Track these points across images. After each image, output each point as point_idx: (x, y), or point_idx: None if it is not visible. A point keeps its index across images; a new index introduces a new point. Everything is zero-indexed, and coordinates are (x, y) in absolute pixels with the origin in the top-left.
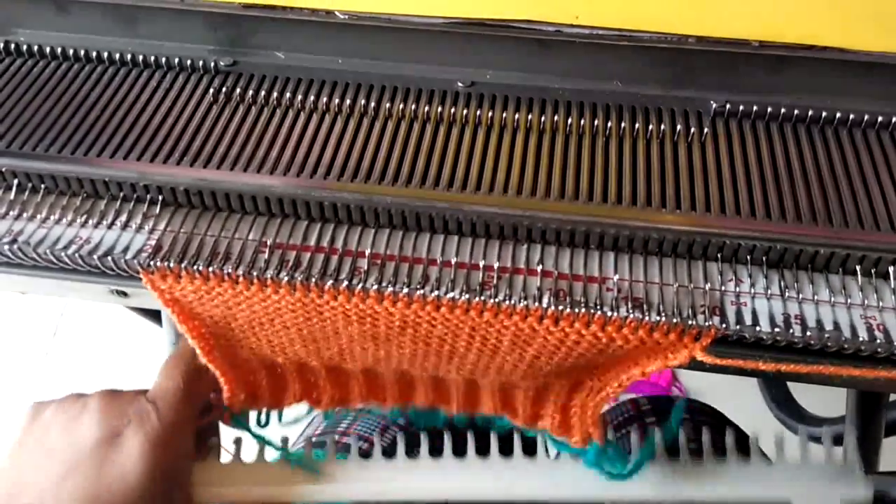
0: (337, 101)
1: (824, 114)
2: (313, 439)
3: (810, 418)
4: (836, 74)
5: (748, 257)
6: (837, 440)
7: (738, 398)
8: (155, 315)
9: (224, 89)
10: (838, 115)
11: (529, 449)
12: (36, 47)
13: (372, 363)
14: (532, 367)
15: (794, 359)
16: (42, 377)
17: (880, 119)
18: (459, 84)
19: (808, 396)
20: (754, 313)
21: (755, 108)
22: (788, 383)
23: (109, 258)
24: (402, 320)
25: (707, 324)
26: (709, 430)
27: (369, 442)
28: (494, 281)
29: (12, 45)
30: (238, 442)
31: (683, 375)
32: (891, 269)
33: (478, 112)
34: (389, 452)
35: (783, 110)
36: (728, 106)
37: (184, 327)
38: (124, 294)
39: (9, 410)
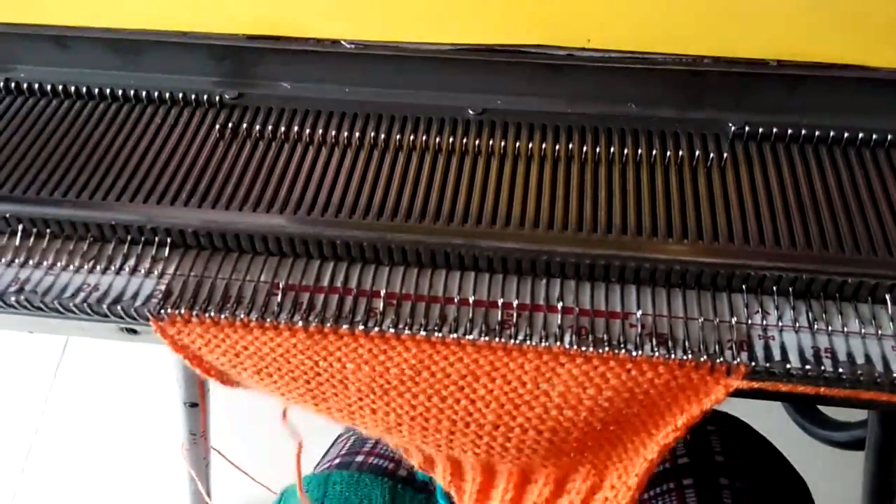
0: (346, 133)
1: (846, 134)
2: (337, 461)
3: (830, 423)
4: (858, 93)
5: (774, 288)
6: (858, 444)
7: (756, 403)
8: None
9: (230, 124)
10: (861, 135)
11: None
12: (37, 85)
13: (383, 431)
14: (556, 433)
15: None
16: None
17: None
18: (470, 112)
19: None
20: (783, 347)
21: (775, 129)
22: None
23: (119, 306)
24: (418, 360)
25: (736, 361)
26: (736, 440)
27: (394, 461)
28: (514, 319)
29: (12, 84)
30: None
31: None
32: None
33: (490, 141)
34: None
35: (804, 131)
36: (747, 128)
37: (197, 369)
38: (134, 332)
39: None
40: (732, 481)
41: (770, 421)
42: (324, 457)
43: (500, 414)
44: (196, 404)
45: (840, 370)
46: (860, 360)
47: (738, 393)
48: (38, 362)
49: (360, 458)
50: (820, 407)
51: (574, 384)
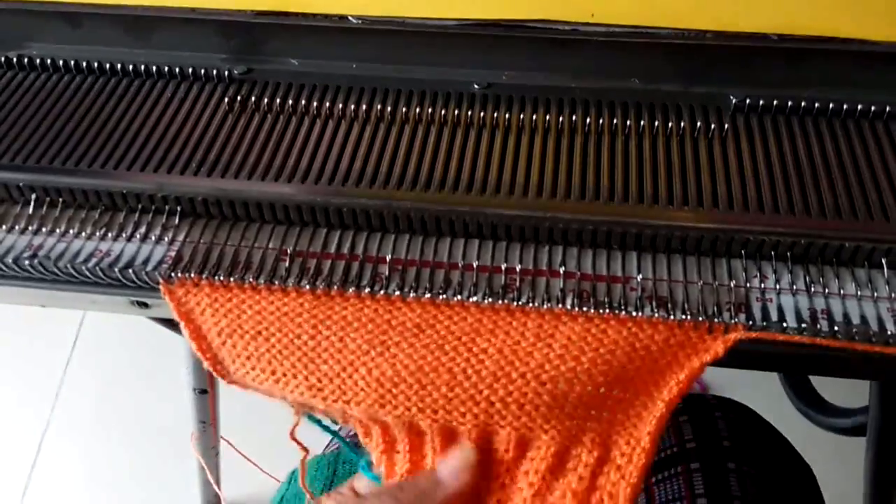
0: (353, 106)
1: (846, 106)
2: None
3: (833, 409)
4: (858, 66)
5: (773, 253)
6: (860, 430)
7: (760, 390)
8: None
9: (239, 97)
10: (860, 107)
11: None
12: (49, 61)
13: (377, 404)
14: (556, 385)
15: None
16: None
17: None
18: (476, 86)
19: (830, 389)
20: (780, 309)
21: (775, 101)
22: (811, 379)
23: (130, 270)
24: (422, 319)
25: (733, 321)
26: (743, 426)
27: None
28: (517, 283)
29: (25, 60)
30: None
31: (706, 373)
32: None
33: (495, 114)
34: None
35: (804, 103)
36: (748, 100)
37: (194, 344)
38: (145, 305)
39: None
40: (739, 466)
41: (774, 410)
42: (332, 439)
43: (502, 364)
44: (205, 391)
45: (836, 330)
46: (856, 320)
47: (738, 359)
48: (49, 351)
49: None
50: (822, 397)
51: (575, 338)
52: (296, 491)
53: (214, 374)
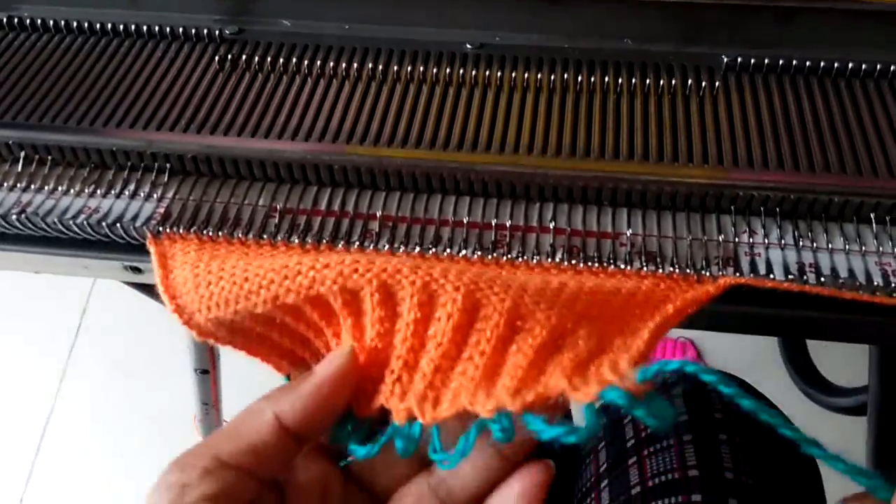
0: (344, 65)
1: (836, 65)
2: None
3: (834, 389)
4: (848, 25)
5: (762, 208)
6: (862, 409)
7: (762, 371)
8: None
9: (230, 57)
10: (850, 65)
11: None
12: (40, 21)
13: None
14: (558, 295)
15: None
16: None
17: (893, 68)
18: (468, 46)
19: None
20: (768, 263)
21: (766, 60)
22: (812, 359)
23: (118, 226)
24: None
25: (721, 273)
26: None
27: None
28: (507, 239)
29: (16, 20)
30: None
31: (708, 356)
32: None
33: (486, 73)
34: None
35: (794, 62)
36: (739, 59)
37: (162, 290)
38: (138, 270)
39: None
40: (731, 437)
41: (775, 390)
42: None
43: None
44: (207, 371)
45: (823, 282)
46: (843, 273)
47: (731, 322)
48: (54, 336)
49: None
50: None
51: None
52: None
53: (176, 315)
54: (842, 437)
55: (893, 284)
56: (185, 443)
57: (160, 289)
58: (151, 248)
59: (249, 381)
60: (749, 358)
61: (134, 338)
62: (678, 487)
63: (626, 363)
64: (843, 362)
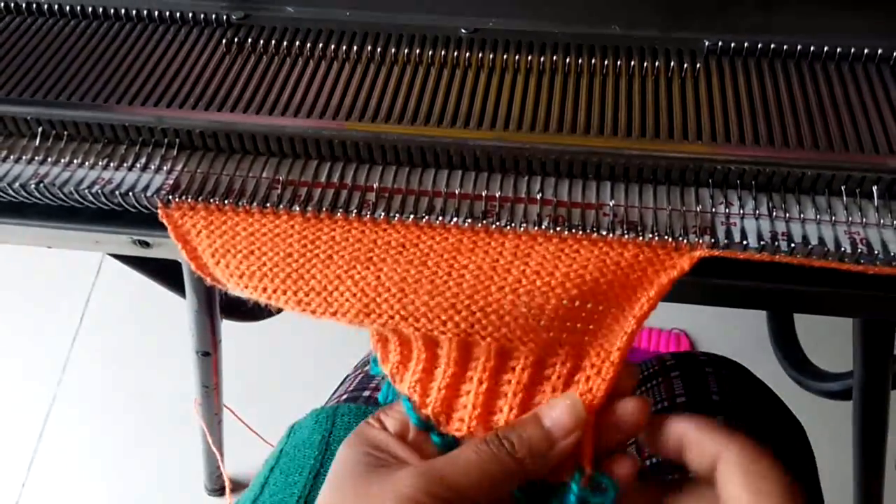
0: (345, 48)
1: (812, 48)
2: (345, 396)
3: (822, 375)
4: (825, 10)
5: (738, 182)
6: (848, 394)
7: (753, 357)
8: (179, 286)
9: (236, 40)
10: (826, 49)
11: None
12: (56, 6)
13: (361, 313)
14: (533, 298)
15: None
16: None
17: (866, 52)
18: (463, 31)
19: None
20: (743, 232)
21: (746, 44)
22: (802, 347)
23: (130, 194)
24: (406, 239)
25: (698, 241)
26: (733, 381)
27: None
28: (496, 209)
29: (34, 5)
30: None
31: (702, 346)
32: (874, 187)
33: (479, 55)
34: None
35: (773, 46)
36: (720, 44)
37: (192, 264)
38: (147, 244)
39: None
40: (728, 420)
41: (766, 377)
42: (333, 394)
43: (481, 278)
44: (208, 353)
45: (794, 247)
46: (814, 241)
47: (711, 295)
48: (57, 323)
49: (367, 393)
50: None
51: (550, 256)
52: (296, 443)
53: (215, 284)
54: (831, 420)
55: (860, 250)
56: (187, 432)
57: (191, 265)
58: (164, 220)
59: (248, 365)
60: (741, 347)
61: (138, 327)
62: (671, 470)
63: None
64: (832, 349)
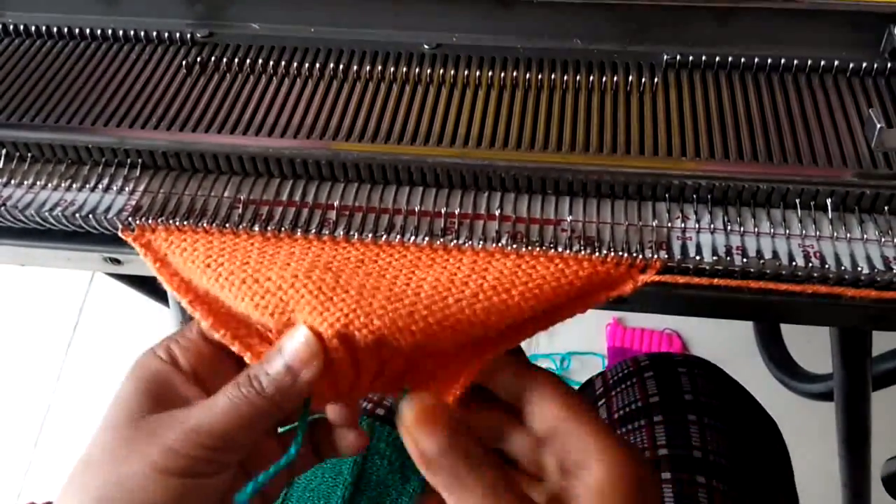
0: (307, 65)
1: (769, 61)
2: None
3: (806, 376)
4: (783, 23)
5: (694, 196)
6: (831, 395)
7: (738, 359)
8: (163, 296)
9: (200, 59)
10: (783, 61)
11: None
12: (22, 27)
13: (316, 310)
14: (489, 315)
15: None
16: (63, 371)
17: (823, 64)
18: (426, 47)
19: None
20: (698, 246)
21: (704, 58)
22: (788, 348)
23: (91, 217)
24: (365, 256)
25: (653, 256)
26: (706, 381)
27: (373, 402)
28: (456, 227)
29: (0, 27)
30: None
31: (694, 347)
32: (828, 200)
33: (441, 71)
34: None
35: (731, 59)
36: (679, 58)
37: (175, 282)
38: (118, 262)
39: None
40: (700, 418)
41: (753, 377)
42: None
43: (439, 290)
44: None
45: (746, 262)
46: (768, 255)
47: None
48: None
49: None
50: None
51: (507, 273)
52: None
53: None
54: (816, 420)
55: (812, 265)
56: None
57: (169, 291)
58: (129, 240)
59: None
60: (730, 348)
61: (131, 334)
62: None
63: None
64: (817, 351)
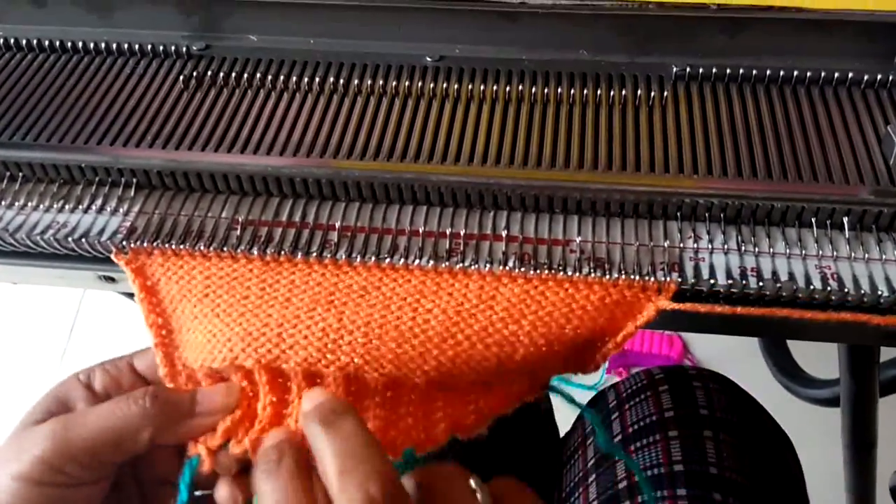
0: (307, 79)
1: (781, 73)
2: None
3: (811, 381)
4: (793, 34)
5: (706, 215)
6: (836, 401)
7: (744, 365)
8: None
9: (196, 73)
10: (795, 73)
11: None
12: (13, 40)
13: (319, 352)
14: (502, 348)
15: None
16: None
17: (836, 76)
18: (428, 59)
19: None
20: (712, 268)
21: (714, 70)
22: (792, 353)
23: (84, 240)
24: (368, 282)
25: (666, 279)
26: (721, 395)
27: None
28: (461, 248)
29: None
30: None
31: (695, 348)
32: (845, 219)
33: (444, 85)
34: None
35: (741, 71)
36: (688, 69)
37: (151, 318)
38: (112, 280)
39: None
40: (716, 433)
41: (758, 383)
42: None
43: (448, 325)
44: None
45: (762, 285)
46: (784, 277)
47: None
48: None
49: None
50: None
51: (516, 300)
52: None
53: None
54: (822, 426)
55: (831, 288)
56: None
57: (144, 314)
58: (121, 264)
59: None
60: (733, 351)
61: (126, 341)
62: (664, 482)
63: None
64: (822, 356)
